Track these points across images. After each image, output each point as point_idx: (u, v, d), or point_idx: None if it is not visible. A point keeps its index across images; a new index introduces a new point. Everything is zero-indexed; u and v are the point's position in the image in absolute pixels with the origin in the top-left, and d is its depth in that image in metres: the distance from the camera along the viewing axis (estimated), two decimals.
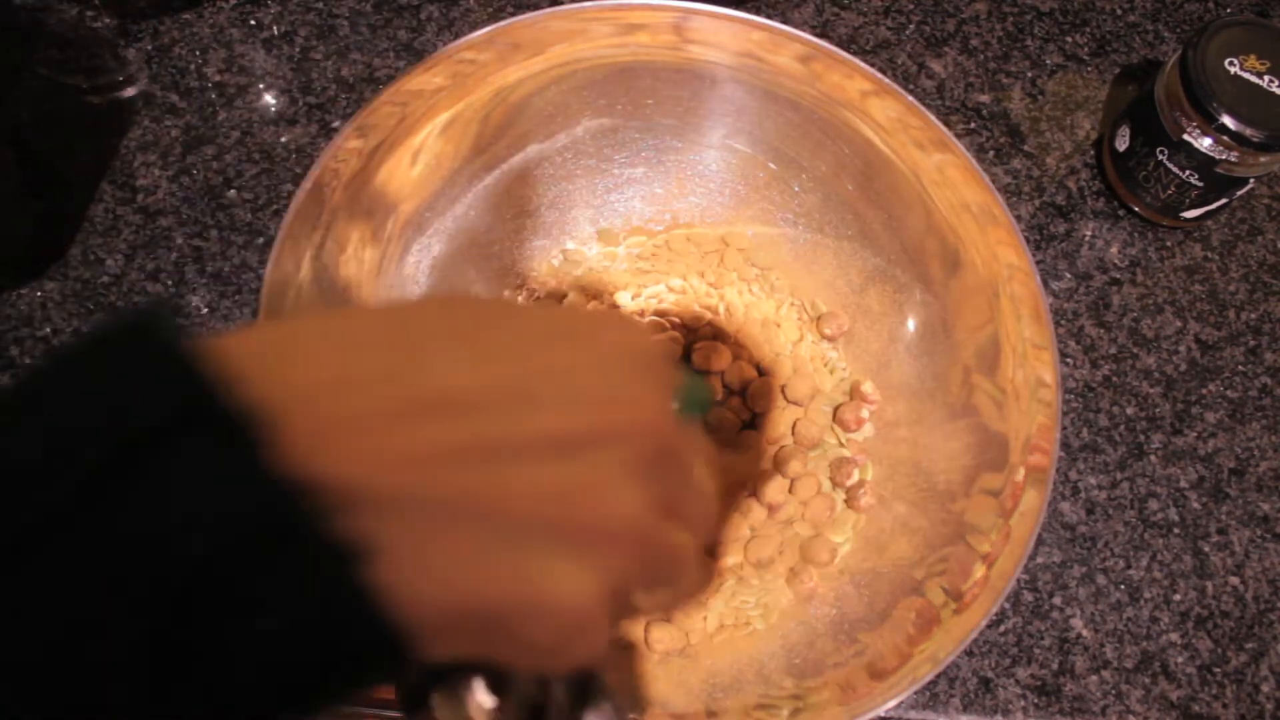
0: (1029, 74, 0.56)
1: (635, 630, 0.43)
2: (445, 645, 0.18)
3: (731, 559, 0.44)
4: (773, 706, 0.39)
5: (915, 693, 0.43)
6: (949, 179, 0.42)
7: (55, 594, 0.15)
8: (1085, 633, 0.46)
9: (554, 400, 0.19)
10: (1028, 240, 0.49)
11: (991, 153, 0.55)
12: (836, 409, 0.47)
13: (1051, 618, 0.46)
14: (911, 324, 0.46)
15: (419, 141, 0.42)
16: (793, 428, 0.46)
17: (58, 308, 0.47)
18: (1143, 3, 0.59)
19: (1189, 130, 0.48)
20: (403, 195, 0.43)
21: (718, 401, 0.46)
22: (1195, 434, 0.50)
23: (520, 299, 0.48)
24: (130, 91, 0.52)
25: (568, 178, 0.48)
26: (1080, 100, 0.56)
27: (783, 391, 0.47)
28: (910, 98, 0.41)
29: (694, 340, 0.47)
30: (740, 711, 0.39)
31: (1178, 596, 0.47)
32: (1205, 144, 0.47)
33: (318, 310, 0.39)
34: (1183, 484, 0.49)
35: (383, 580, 0.16)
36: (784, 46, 0.42)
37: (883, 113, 0.42)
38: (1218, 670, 0.46)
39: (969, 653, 0.45)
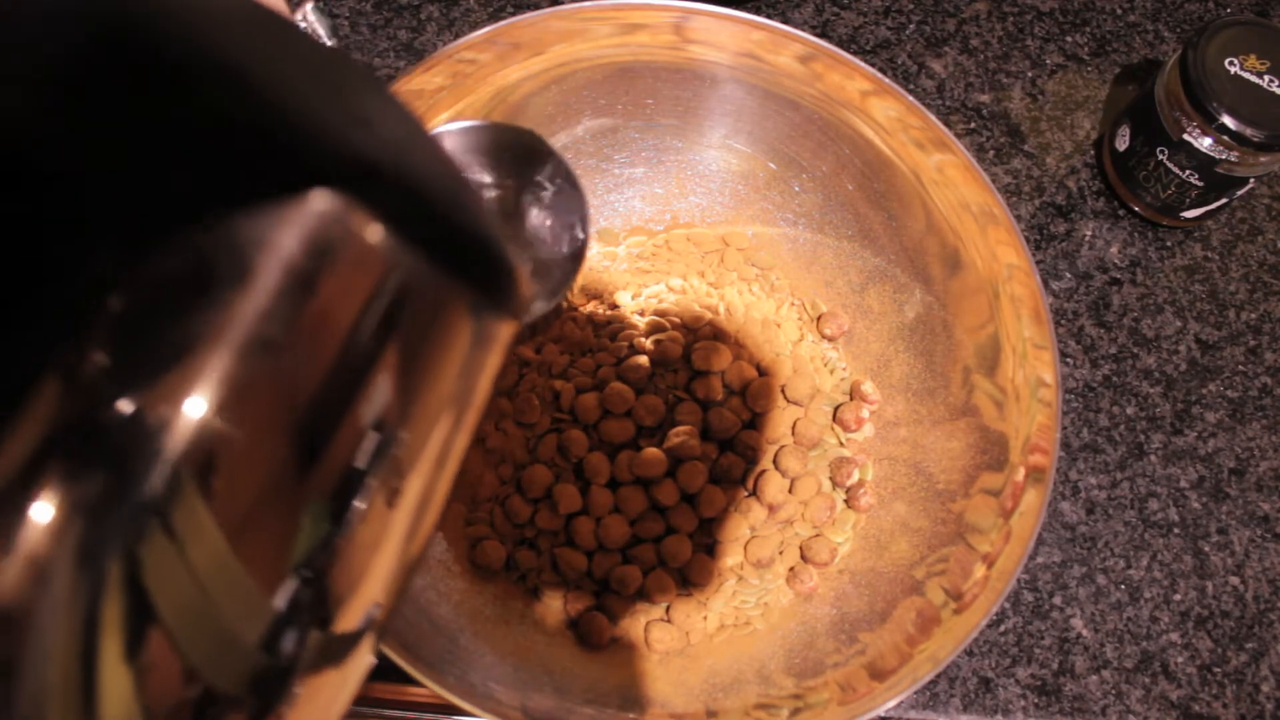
0: (1029, 74, 0.56)
1: (635, 630, 0.43)
2: None
3: (731, 559, 0.44)
4: (773, 706, 0.39)
5: (915, 693, 0.43)
6: (949, 179, 0.42)
7: None
8: (1085, 633, 0.46)
9: None
10: (1028, 240, 0.49)
11: (991, 153, 0.55)
12: (836, 409, 0.47)
13: (1051, 618, 0.46)
14: (912, 324, 0.46)
15: None
16: (793, 428, 0.46)
17: None
18: (1143, 3, 0.59)
19: (1189, 130, 0.48)
20: None
21: (717, 401, 0.46)
22: (1195, 434, 0.50)
23: None
24: None
25: None
26: (1080, 100, 0.56)
27: (783, 391, 0.47)
28: (910, 98, 0.41)
29: (694, 340, 0.47)
30: (740, 711, 0.39)
31: (1178, 596, 0.47)
32: (1205, 144, 0.47)
33: None
34: (1183, 484, 0.49)
35: None
36: (784, 46, 0.42)
37: (883, 113, 0.42)
38: (1218, 670, 0.46)
39: (969, 653, 0.45)
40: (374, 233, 0.17)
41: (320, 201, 0.17)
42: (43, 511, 0.14)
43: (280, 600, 0.16)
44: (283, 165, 0.17)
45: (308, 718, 0.18)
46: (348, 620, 0.18)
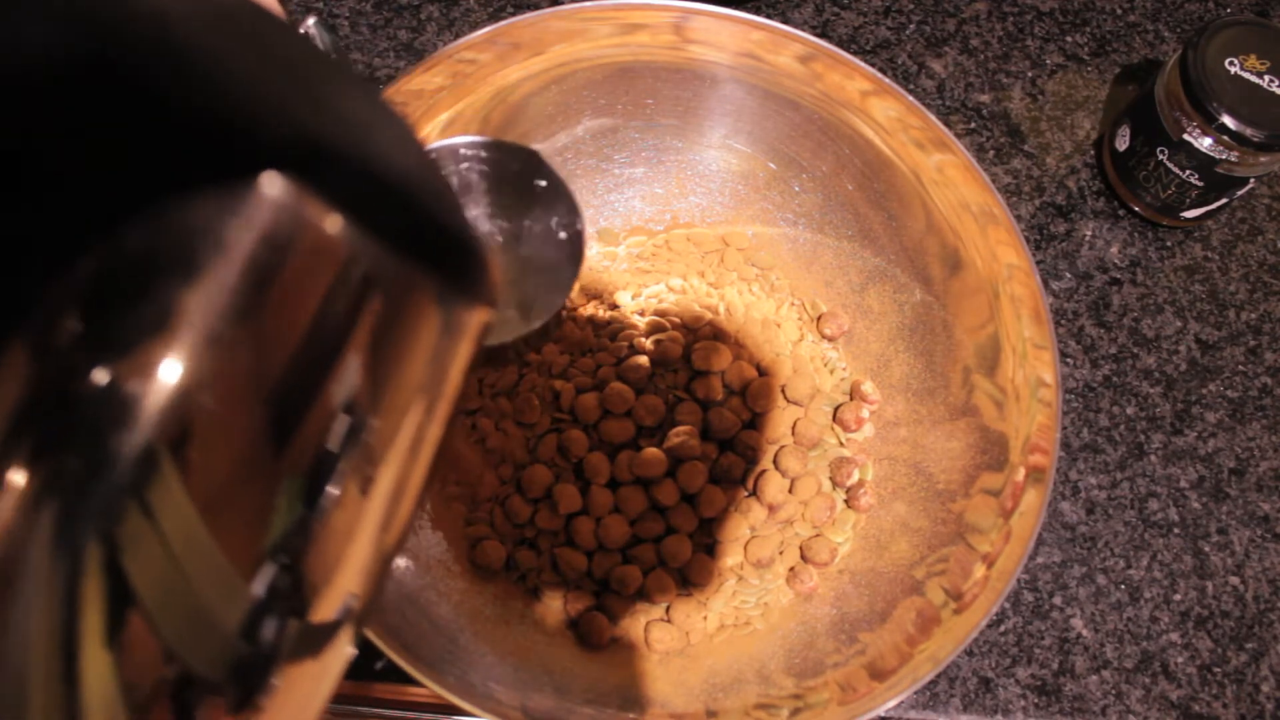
0: (1029, 74, 0.56)
1: (635, 630, 0.43)
2: None
3: (731, 559, 0.44)
4: (773, 706, 0.39)
5: (915, 693, 0.43)
6: (949, 179, 0.42)
7: None
8: (1085, 633, 0.46)
9: None
10: (1028, 240, 0.49)
11: (991, 153, 0.55)
12: (836, 409, 0.47)
13: (1051, 618, 0.46)
14: (912, 324, 0.46)
15: None
16: (793, 428, 0.46)
17: None
18: (1143, 3, 0.59)
19: (1189, 130, 0.48)
20: None
21: (717, 401, 0.46)
22: (1195, 434, 0.50)
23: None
24: None
25: (568, 177, 0.48)
26: (1080, 100, 0.56)
27: (783, 391, 0.47)
28: (910, 98, 0.41)
29: (694, 340, 0.47)
30: (740, 711, 0.39)
31: (1178, 596, 0.47)
32: (1205, 144, 0.47)
33: None
34: (1183, 484, 0.49)
35: None
36: (784, 46, 0.42)
37: (883, 113, 0.42)
38: (1218, 670, 0.46)
39: (969, 653, 0.45)
40: (332, 222, 0.17)
41: (273, 187, 0.16)
42: (16, 489, 0.14)
43: (258, 587, 0.16)
44: (237, 148, 0.16)
45: (288, 708, 0.18)
46: (325, 610, 0.18)
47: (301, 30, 0.30)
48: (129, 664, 0.15)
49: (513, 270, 0.33)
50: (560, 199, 0.32)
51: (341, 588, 0.18)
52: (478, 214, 0.32)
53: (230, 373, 0.15)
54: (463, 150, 0.31)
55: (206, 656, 0.16)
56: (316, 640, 0.18)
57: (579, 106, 0.45)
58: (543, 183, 0.32)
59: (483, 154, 0.32)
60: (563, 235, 0.32)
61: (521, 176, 0.32)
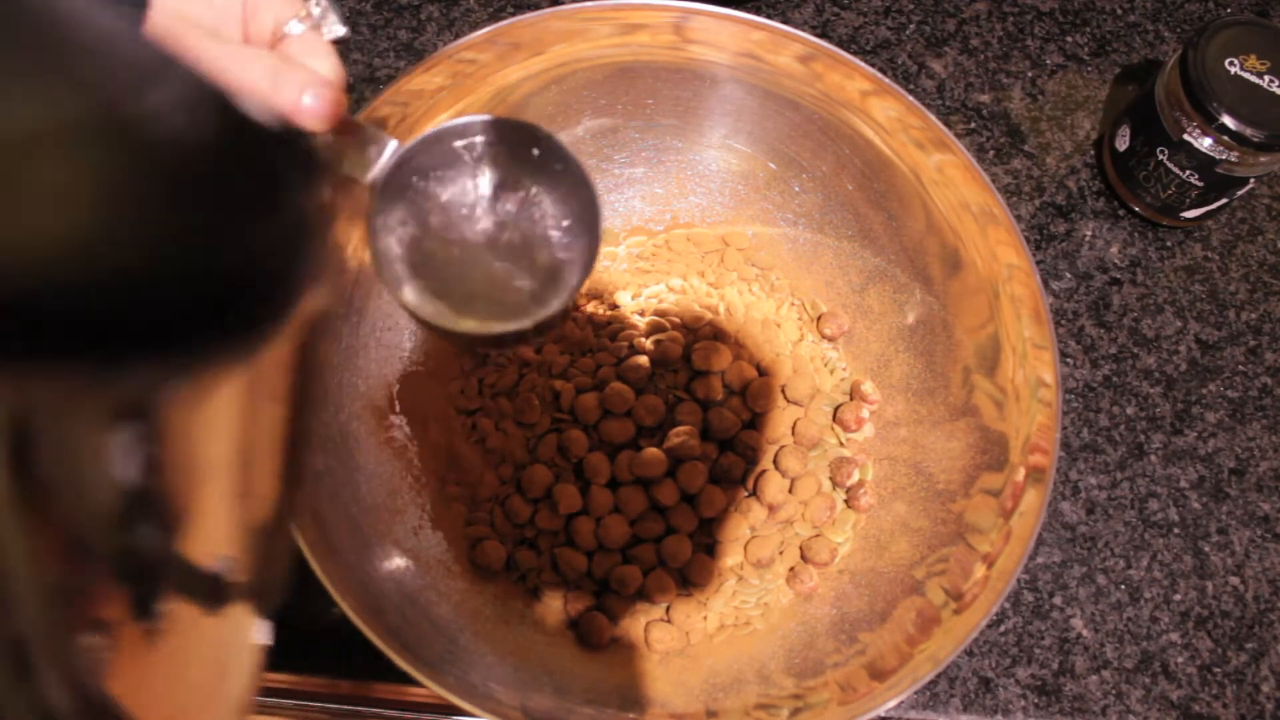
0: (1029, 74, 0.56)
1: (635, 630, 0.43)
2: None
3: (731, 559, 0.44)
4: (773, 706, 0.39)
5: (915, 693, 0.43)
6: (949, 179, 0.42)
7: None
8: (1085, 633, 0.46)
9: None
10: (1028, 240, 0.49)
11: (991, 153, 0.55)
12: (836, 409, 0.47)
13: (1051, 618, 0.46)
14: (912, 324, 0.46)
15: None
16: (793, 428, 0.46)
17: None
18: (1143, 3, 0.59)
19: (1189, 130, 0.48)
20: None
21: (717, 401, 0.46)
22: (1195, 434, 0.50)
23: None
24: None
25: None
26: (1080, 100, 0.56)
27: (783, 391, 0.47)
28: (910, 98, 0.41)
29: (694, 340, 0.47)
30: (740, 711, 0.39)
31: (1178, 596, 0.47)
32: (1205, 144, 0.47)
33: None
34: (1183, 484, 0.49)
35: None
36: (784, 46, 0.42)
37: (883, 113, 0.42)
38: (1218, 670, 0.46)
39: (969, 653, 0.45)
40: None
41: None
42: None
43: (119, 466, 0.14)
44: None
45: (192, 666, 0.17)
46: (196, 548, 0.17)
47: (311, 3, 0.29)
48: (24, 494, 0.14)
49: (524, 254, 0.32)
50: (576, 180, 0.31)
51: (207, 537, 0.17)
52: (489, 195, 0.31)
53: None
54: (461, 128, 0.30)
55: (86, 514, 0.15)
56: (200, 586, 0.17)
57: (579, 106, 0.45)
58: (553, 158, 0.31)
59: (496, 134, 0.31)
60: (578, 216, 0.31)
61: (536, 157, 0.31)
